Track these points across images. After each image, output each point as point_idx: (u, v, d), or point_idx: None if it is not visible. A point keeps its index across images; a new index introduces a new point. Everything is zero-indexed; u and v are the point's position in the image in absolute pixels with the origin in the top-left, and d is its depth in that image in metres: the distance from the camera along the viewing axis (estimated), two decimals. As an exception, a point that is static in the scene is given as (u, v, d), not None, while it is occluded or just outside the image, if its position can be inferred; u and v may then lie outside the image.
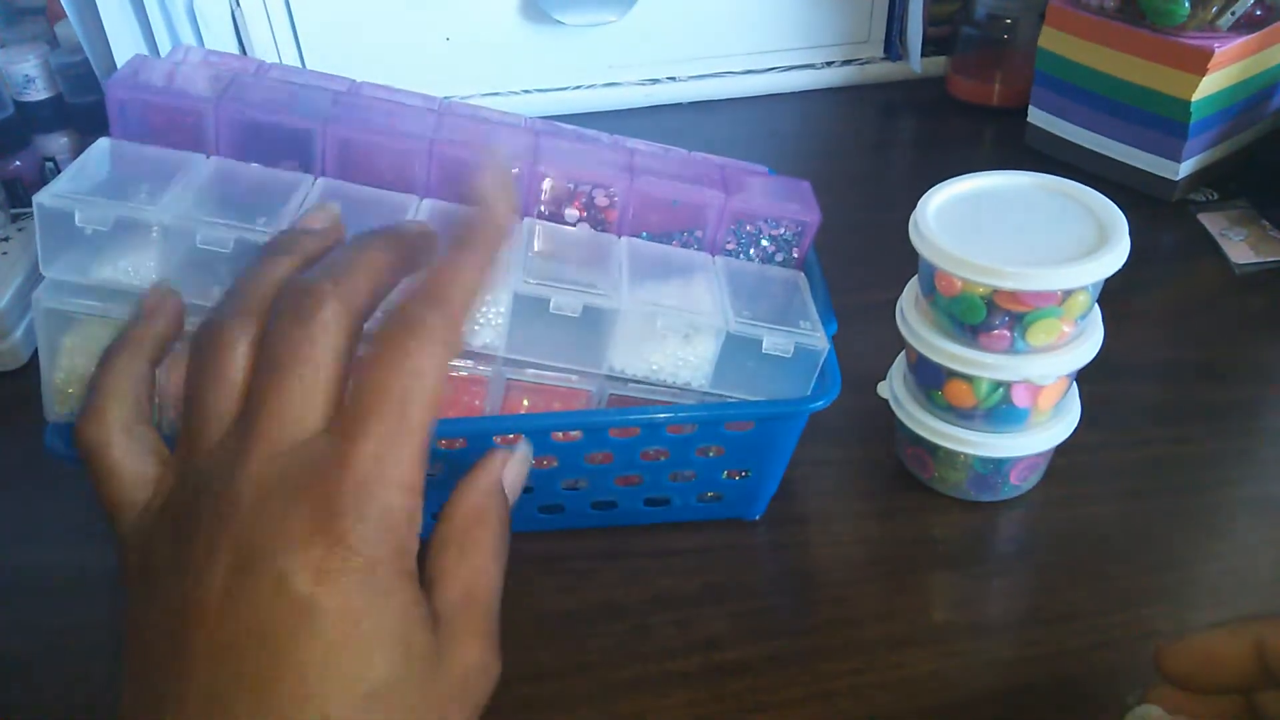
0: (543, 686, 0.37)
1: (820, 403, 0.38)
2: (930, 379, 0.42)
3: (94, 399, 0.29)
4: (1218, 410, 0.49)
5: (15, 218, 0.61)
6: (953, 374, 0.40)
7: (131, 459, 0.28)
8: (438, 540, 0.27)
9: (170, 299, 0.31)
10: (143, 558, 0.26)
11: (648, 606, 0.40)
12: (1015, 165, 0.42)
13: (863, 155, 0.75)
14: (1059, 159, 0.68)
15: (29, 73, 0.65)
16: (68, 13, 0.63)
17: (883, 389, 0.46)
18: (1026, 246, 0.37)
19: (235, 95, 0.39)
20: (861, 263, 0.59)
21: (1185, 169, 0.63)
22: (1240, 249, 0.60)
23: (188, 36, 0.68)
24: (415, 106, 0.44)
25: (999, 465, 0.43)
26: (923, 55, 0.80)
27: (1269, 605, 0.39)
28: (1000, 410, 0.41)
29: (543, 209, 0.42)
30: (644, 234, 0.43)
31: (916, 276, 0.42)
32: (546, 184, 0.41)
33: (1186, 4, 0.58)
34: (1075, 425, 0.43)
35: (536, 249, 0.39)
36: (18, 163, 0.66)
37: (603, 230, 0.42)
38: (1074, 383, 0.43)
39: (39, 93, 0.66)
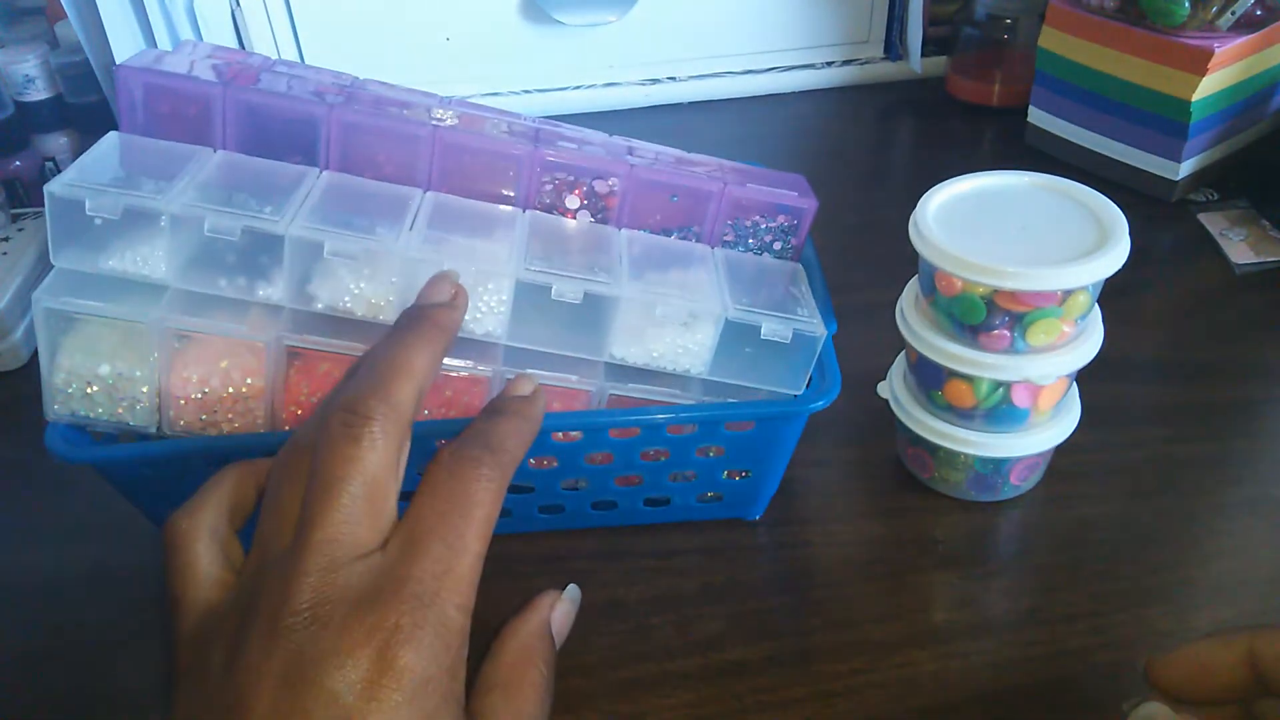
0: (543, 686, 0.37)
1: (820, 403, 0.38)
2: (930, 379, 0.42)
3: (196, 496, 0.29)
4: (1218, 410, 0.49)
5: (15, 218, 0.61)
6: (953, 374, 0.40)
7: (209, 560, 0.28)
8: (485, 680, 0.28)
9: None
10: (196, 658, 0.26)
11: (648, 606, 0.40)
12: (1015, 165, 0.42)
13: (863, 155, 0.75)
14: (1059, 159, 0.68)
15: (29, 73, 0.65)
16: (68, 13, 0.63)
17: (883, 389, 0.46)
18: (1026, 246, 0.37)
19: (242, 83, 0.40)
20: (861, 263, 0.59)
21: (1185, 169, 0.63)
22: (1240, 249, 0.60)
23: (187, 36, 0.68)
24: (418, 96, 0.44)
25: (999, 465, 0.43)
26: (923, 55, 0.80)
27: (1269, 605, 0.39)
28: (1000, 410, 0.41)
29: (544, 198, 0.42)
30: (643, 231, 0.43)
31: (916, 276, 0.42)
32: (547, 175, 0.41)
33: (1186, 4, 0.58)
34: (1075, 425, 0.43)
35: (538, 239, 0.39)
36: (18, 163, 0.66)
37: (603, 218, 0.42)
38: (1074, 383, 0.43)
39: (39, 93, 0.66)
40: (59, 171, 0.68)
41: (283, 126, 0.40)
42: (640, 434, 0.39)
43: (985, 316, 0.38)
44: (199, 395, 0.37)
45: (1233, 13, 0.58)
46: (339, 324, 0.37)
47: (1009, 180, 0.41)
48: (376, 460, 0.26)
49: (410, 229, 0.38)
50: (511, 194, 0.41)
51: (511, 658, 0.29)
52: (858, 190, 0.70)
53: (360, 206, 0.38)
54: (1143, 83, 0.62)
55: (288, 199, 0.37)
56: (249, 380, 0.37)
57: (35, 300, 0.35)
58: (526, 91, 0.79)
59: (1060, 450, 0.44)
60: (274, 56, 0.72)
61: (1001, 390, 0.40)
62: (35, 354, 0.51)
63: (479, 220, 0.40)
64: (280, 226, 0.36)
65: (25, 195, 0.66)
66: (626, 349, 0.38)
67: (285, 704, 0.23)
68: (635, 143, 0.45)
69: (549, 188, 0.42)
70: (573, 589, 0.32)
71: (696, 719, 0.36)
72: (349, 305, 0.37)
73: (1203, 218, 0.63)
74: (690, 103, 0.80)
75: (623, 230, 0.42)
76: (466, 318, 0.37)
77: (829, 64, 0.82)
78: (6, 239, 0.59)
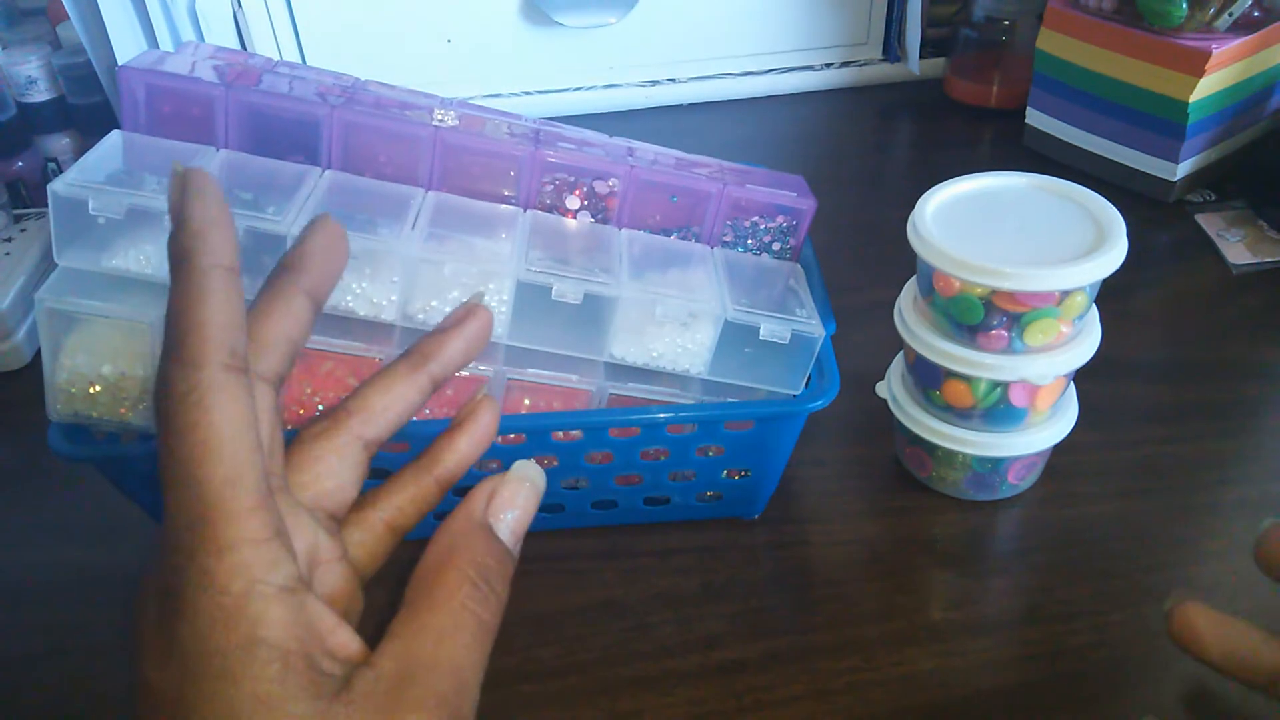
0: (543, 685, 0.38)
1: (819, 403, 0.38)
2: (928, 379, 0.42)
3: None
4: (1215, 410, 0.49)
5: (18, 218, 0.62)
6: (951, 374, 0.41)
7: None
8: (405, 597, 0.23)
9: None
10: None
11: (648, 605, 0.40)
12: (1013, 166, 0.43)
13: (861, 156, 0.75)
14: (1057, 160, 0.68)
15: (31, 74, 0.65)
16: (70, 14, 0.63)
17: (881, 389, 0.46)
18: (1024, 247, 0.38)
19: (244, 83, 0.40)
20: (860, 263, 0.59)
21: (1183, 170, 0.63)
22: (1237, 249, 0.60)
23: (189, 38, 0.68)
24: (420, 98, 0.45)
25: (997, 465, 0.43)
26: (921, 57, 0.80)
27: (1268, 605, 0.39)
28: (998, 410, 0.41)
29: (544, 199, 0.42)
30: (643, 232, 0.43)
31: (915, 277, 0.42)
32: (548, 175, 0.41)
33: (1184, 5, 0.58)
34: (1073, 425, 0.43)
35: (539, 239, 0.40)
36: (20, 164, 0.66)
37: (604, 219, 0.42)
38: (1072, 382, 0.43)
39: (41, 94, 0.66)
40: (61, 172, 0.68)
41: (285, 127, 0.40)
42: (640, 433, 0.39)
43: (983, 317, 0.38)
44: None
45: (1230, 14, 0.59)
46: (341, 323, 0.38)
47: (1007, 181, 0.41)
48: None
49: (412, 228, 0.38)
50: (512, 194, 0.42)
51: (425, 566, 0.24)
52: (856, 191, 0.70)
53: (362, 206, 0.39)
54: (1140, 84, 0.62)
55: (290, 198, 0.37)
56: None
57: (38, 300, 0.35)
58: (527, 93, 0.79)
59: (1058, 450, 0.44)
60: (275, 58, 0.72)
61: (999, 390, 0.40)
62: (38, 354, 0.52)
63: (480, 220, 0.40)
64: (283, 226, 0.36)
65: (28, 196, 0.66)
66: (626, 349, 0.38)
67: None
68: (635, 144, 0.46)
69: (549, 188, 0.42)
70: (523, 466, 0.26)
71: (696, 717, 0.36)
72: (350, 305, 0.37)
73: (1200, 218, 0.63)
74: (690, 104, 0.80)
75: (623, 230, 0.42)
76: None
77: (828, 66, 0.82)
78: (9, 239, 0.59)
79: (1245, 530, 0.43)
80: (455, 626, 0.23)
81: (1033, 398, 0.40)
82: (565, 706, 0.37)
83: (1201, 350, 0.53)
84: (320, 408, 0.38)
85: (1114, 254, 0.37)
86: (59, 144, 0.68)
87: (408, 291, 0.37)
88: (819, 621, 0.40)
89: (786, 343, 0.38)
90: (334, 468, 0.27)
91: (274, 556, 0.22)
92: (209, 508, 0.21)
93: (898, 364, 0.45)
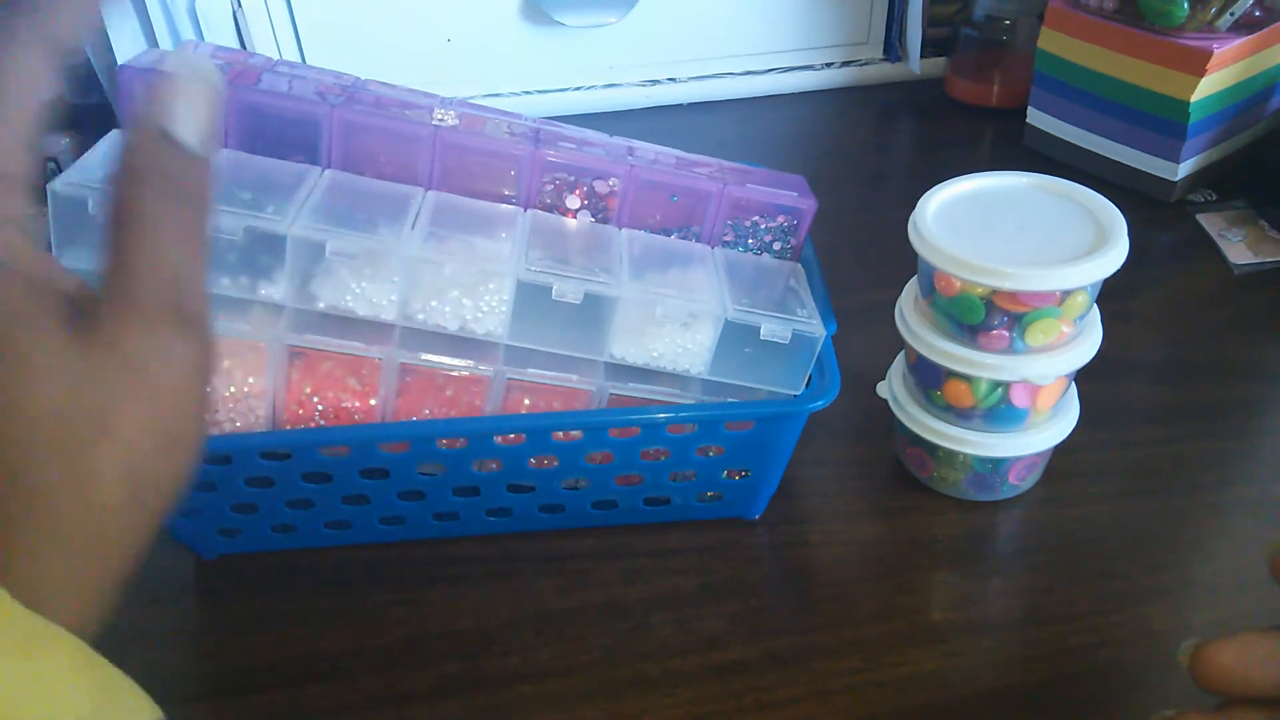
0: (543, 685, 0.38)
1: (820, 402, 0.38)
2: (929, 379, 0.42)
3: None
4: (1216, 410, 0.49)
5: (17, 218, 0.62)
6: (952, 374, 0.40)
7: None
8: None
9: None
10: None
11: (648, 606, 0.40)
12: (1014, 166, 0.42)
13: (862, 156, 0.75)
14: (1058, 160, 0.68)
15: (30, 73, 0.65)
16: (69, 14, 0.63)
17: (882, 389, 0.46)
18: (1025, 247, 0.37)
19: (245, 83, 0.40)
20: (861, 263, 0.59)
21: (1184, 170, 0.63)
22: (1238, 249, 0.60)
23: (189, 37, 0.68)
24: (420, 97, 0.45)
25: (998, 465, 0.43)
26: (922, 56, 0.80)
27: (1267, 605, 0.39)
28: (999, 410, 0.41)
29: (545, 198, 0.42)
30: (644, 231, 0.43)
31: (916, 277, 0.42)
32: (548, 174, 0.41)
33: (1185, 5, 0.58)
34: (1074, 425, 0.43)
35: (539, 238, 0.39)
36: (19, 163, 0.66)
37: (604, 218, 0.42)
38: (1073, 383, 0.43)
39: (40, 93, 0.66)
40: (61, 172, 0.68)
41: (285, 126, 0.40)
42: (640, 433, 0.39)
43: (984, 317, 0.38)
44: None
45: (1231, 14, 0.58)
46: (341, 324, 0.37)
47: (1008, 181, 0.41)
48: None
49: (412, 228, 0.38)
50: (512, 193, 0.42)
51: (114, 197, 0.22)
52: (857, 191, 0.70)
53: (362, 205, 0.39)
54: (1141, 84, 0.62)
55: (290, 198, 0.37)
56: (250, 380, 0.37)
57: None
58: (527, 92, 0.79)
59: (1059, 450, 0.44)
60: (275, 57, 0.72)
61: (1000, 390, 0.40)
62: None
63: (480, 219, 0.40)
64: (282, 226, 0.36)
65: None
66: (626, 349, 0.38)
67: None
68: (635, 143, 0.45)
69: (549, 188, 0.42)
70: (188, 63, 0.23)
71: (696, 717, 0.36)
72: (350, 304, 0.37)
73: (1201, 218, 0.63)
74: (690, 104, 0.80)
75: (623, 230, 0.42)
76: (468, 317, 0.37)
77: (828, 65, 0.82)
78: (8, 239, 0.59)
79: (1246, 530, 0.43)
80: (161, 239, 0.22)
81: (1034, 398, 0.40)
82: (565, 707, 0.37)
83: (1203, 350, 0.53)
84: (320, 408, 0.38)
85: (1115, 254, 0.37)
86: (58, 144, 0.68)
87: (408, 291, 0.37)
88: (819, 622, 0.39)
89: (787, 343, 0.38)
90: None
91: None
92: None
93: (898, 364, 0.45)
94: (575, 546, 0.43)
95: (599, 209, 0.42)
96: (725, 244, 0.44)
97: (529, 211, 0.41)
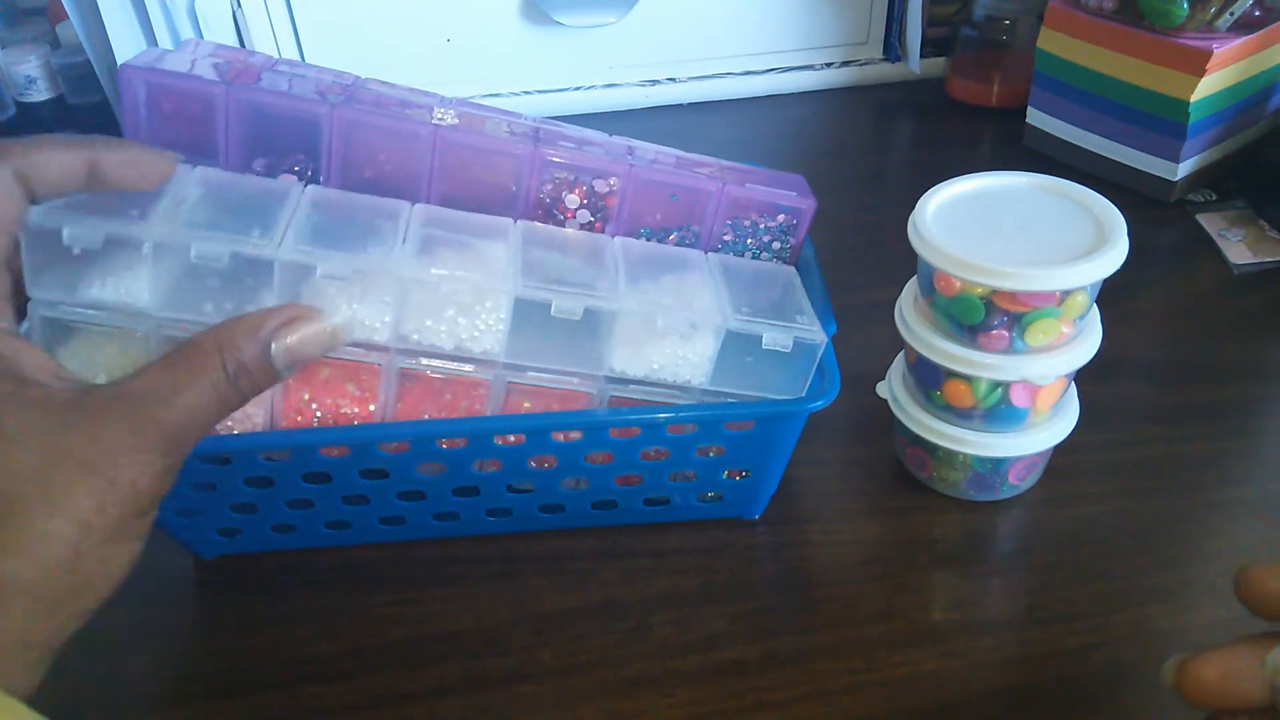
0: (543, 685, 0.38)
1: (820, 403, 0.38)
2: (929, 379, 0.42)
3: None
4: (1216, 410, 0.49)
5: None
6: (951, 374, 0.40)
7: None
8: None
9: None
10: None
11: (648, 606, 0.40)
12: (1014, 166, 0.42)
13: (862, 156, 0.75)
14: (1057, 159, 0.68)
15: (30, 73, 0.65)
16: (69, 13, 0.63)
17: (882, 389, 0.46)
18: (1025, 247, 0.37)
19: (245, 82, 0.40)
20: (860, 263, 0.59)
21: (1183, 170, 0.63)
22: (1238, 249, 0.60)
23: (189, 36, 0.68)
24: (419, 96, 0.45)
25: (998, 465, 0.43)
26: (922, 56, 0.80)
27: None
28: (999, 410, 0.41)
29: (544, 198, 0.42)
30: (643, 230, 0.43)
31: (915, 277, 0.42)
32: (548, 172, 0.41)
33: (1185, 5, 0.58)
34: (1074, 425, 0.43)
35: (533, 252, 0.39)
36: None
37: (603, 217, 0.42)
38: (1072, 383, 0.43)
39: (40, 93, 0.66)
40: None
41: (285, 125, 0.40)
42: (640, 434, 0.39)
43: (984, 317, 0.38)
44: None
45: (1231, 13, 0.58)
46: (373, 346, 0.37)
47: (1008, 181, 0.41)
48: None
49: (402, 244, 0.37)
50: (513, 188, 0.41)
51: (193, 342, 0.29)
52: (857, 191, 0.70)
53: (348, 222, 0.37)
54: (1141, 84, 0.62)
55: (274, 219, 0.35)
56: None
57: (31, 309, 0.34)
58: (527, 92, 0.79)
59: (1059, 450, 0.44)
60: (275, 56, 0.72)
61: (1000, 390, 0.40)
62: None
63: (471, 232, 0.39)
64: (269, 250, 0.34)
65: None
66: (626, 362, 0.38)
67: None
68: (635, 143, 0.45)
69: (549, 187, 0.42)
70: (329, 315, 0.32)
71: (696, 717, 0.36)
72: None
73: (1201, 218, 0.63)
74: (690, 104, 0.80)
75: (616, 239, 0.42)
76: (464, 336, 0.36)
77: (828, 65, 0.82)
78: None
79: (1246, 530, 0.43)
80: (196, 387, 0.28)
81: (1034, 398, 0.40)
82: (565, 707, 0.37)
83: (1202, 350, 0.53)
84: (318, 414, 0.38)
85: (1115, 254, 0.37)
86: (58, 143, 0.68)
87: (401, 312, 0.36)
88: (819, 622, 0.39)
89: (789, 350, 0.38)
90: None
91: None
92: None
93: (898, 364, 0.45)
94: (575, 546, 0.43)
95: (598, 208, 0.42)
96: (724, 243, 0.44)
97: (519, 223, 0.40)
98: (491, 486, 0.41)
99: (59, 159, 0.29)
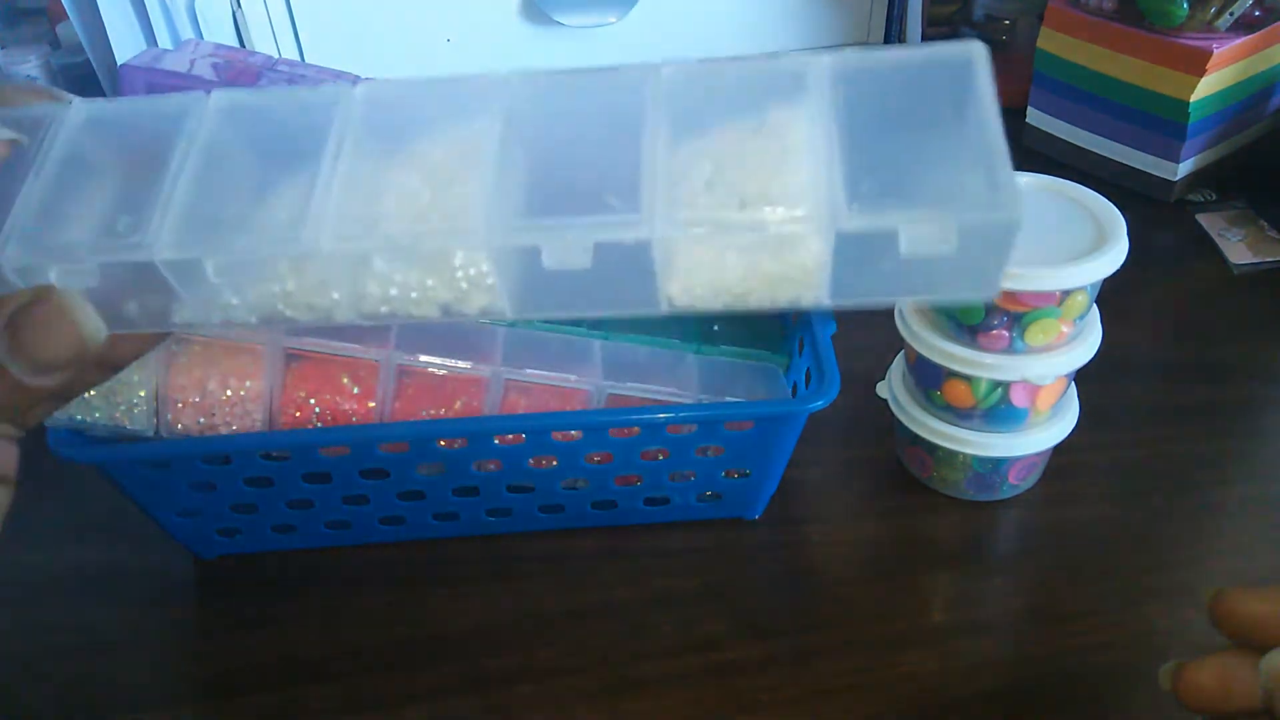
0: (543, 685, 0.38)
1: (819, 403, 0.38)
2: (929, 379, 0.42)
3: None
4: (1216, 410, 0.49)
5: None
6: (951, 374, 0.40)
7: None
8: None
9: None
10: None
11: (647, 606, 0.40)
12: (1013, 166, 0.42)
13: (862, 156, 0.75)
14: (1057, 159, 0.68)
15: (30, 73, 0.65)
16: (69, 13, 0.63)
17: (882, 389, 0.46)
18: (1025, 247, 0.37)
19: (245, 82, 0.40)
20: (861, 263, 0.59)
21: (1183, 169, 0.63)
22: (1238, 249, 0.60)
23: (188, 36, 0.68)
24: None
25: (997, 465, 0.43)
26: (922, 56, 0.80)
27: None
28: (999, 410, 0.41)
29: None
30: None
31: (915, 277, 0.42)
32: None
33: (1185, 5, 0.58)
34: (1074, 425, 0.43)
35: (526, 158, 0.24)
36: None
37: None
38: (1072, 383, 0.43)
39: (40, 93, 0.66)
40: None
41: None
42: (640, 434, 0.39)
43: (984, 316, 0.38)
44: (197, 398, 0.37)
45: (1231, 14, 0.58)
46: (338, 326, 0.37)
47: (1007, 181, 0.41)
48: None
49: (327, 190, 0.24)
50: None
51: None
52: (857, 191, 0.70)
53: (254, 169, 0.25)
54: (1141, 83, 0.62)
55: (152, 196, 0.24)
56: (247, 383, 0.37)
57: None
58: (526, 92, 0.79)
59: (1058, 450, 0.44)
60: (275, 56, 0.72)
61: (1000, 390, 0.40)
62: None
63: (432, 116, 0.25)
64: (144, 250, 0.23)
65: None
66: (691, 291, 0.24)
67: None
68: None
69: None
70: None
71: (696, 717, 0.36)
72: (289, 314, 0.25)
73: (1201, 218, 0.63)
74: (690, 103, 0.80)
75: (666, 67, 0.24)
76: (450, 297, 0.24)
77: (828, 65, 0.82)
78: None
79: (1246, 530, 0.43)
80: None
81: (1033, 398, 0.40)
82: (565, 707, 0.37)
83: (1202, 350, 0.53)
84: (317, 410, 0.38)
85: (1115, 254, 0.37)
86: (58, 143, 0.68)
87: (348, 288, 0.24)
88: (819, 622, 0.39)
89: (953, 248, 0.22)
90: None
91: None
92: None
93: (898, 364, 0.45)
94: (575, 546, 0.43)
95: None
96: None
97: (513, 79, 0.25)
98: (491, 486, 0.41)
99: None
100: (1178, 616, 0.39)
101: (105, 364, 0.26)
